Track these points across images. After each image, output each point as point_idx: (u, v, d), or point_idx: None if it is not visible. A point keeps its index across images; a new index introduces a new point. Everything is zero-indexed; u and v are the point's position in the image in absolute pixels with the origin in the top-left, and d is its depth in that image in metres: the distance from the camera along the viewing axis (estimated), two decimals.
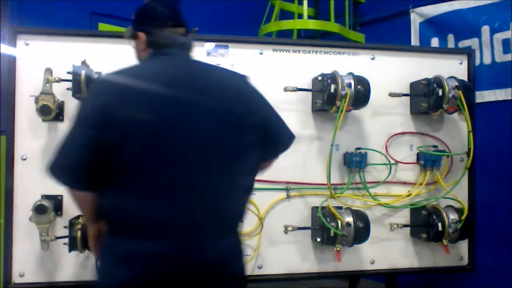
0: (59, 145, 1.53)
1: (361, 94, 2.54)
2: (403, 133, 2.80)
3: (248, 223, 2.51)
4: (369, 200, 2.69)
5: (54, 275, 2.43)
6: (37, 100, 2.28)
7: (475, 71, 2.93)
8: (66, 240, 2.32)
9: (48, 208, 2.28)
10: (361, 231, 2.52)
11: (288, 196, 2.64)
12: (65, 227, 2.36)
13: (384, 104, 2.76)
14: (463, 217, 2.64)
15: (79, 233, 2.27)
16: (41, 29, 2.49)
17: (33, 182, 2.40)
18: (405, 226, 2.76)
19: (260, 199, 2.57)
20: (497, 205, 3.45)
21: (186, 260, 1.50)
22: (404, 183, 2.79)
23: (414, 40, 4.15)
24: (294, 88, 2.55)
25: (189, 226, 1.51)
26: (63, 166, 1.53)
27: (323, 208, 2.59)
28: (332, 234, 2.47)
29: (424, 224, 2.69)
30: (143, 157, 1.48)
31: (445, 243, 2.65)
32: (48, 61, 2.37)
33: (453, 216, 2.64)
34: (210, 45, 2.60)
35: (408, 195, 2.75)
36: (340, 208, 2.60)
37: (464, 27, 3.78)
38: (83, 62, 2.35)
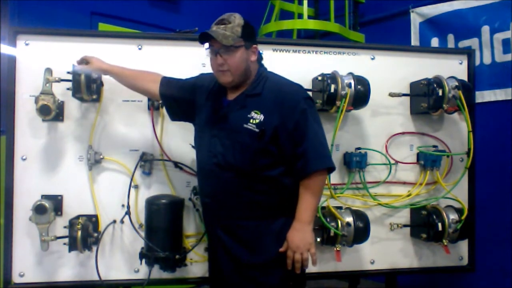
0: (320, 142, 2.00)
1: (361, 94, 2.54)
2: (403, 133, 2.80)
3: None
4: (369, 200, 2.69)
5: (54, 275, 2.43)
6: (37, 100, 2.27)
7: (475, 71, 2.93)
8: (66, 240, 2.32)
9: (48, 208, 2.27)
10: (361, 231, 2.52)
11: None
12: (65, 227, 2.36)
13: (384, 104, 2.76)
14: (463, 217, 2.64)
15: (79, 233, 2.27)
16: (41, 29, 2.49)
17: (33, 182, 2.41)
18: (405, 226, 2.77)
19: None
20: (497, 205, 3.45)
21: None
22: (404, 183, 2.78)
23: (414, 40, 4.15)
24: None
25: None
26: (330, 156, 2.05)
27: (323, 208, 2.59)
28: (332, 234, 2.48)
29: (424, 224, 2.70)
30: None
31: (445, 243, 2.65)
32: (48, 61, 2.37)
33: (453, 216, 2.64)
34: None
35: (408, 195, 2.75)
36: (340, 208, 2.60)
37: (464, 27, 3.78)
38: None
